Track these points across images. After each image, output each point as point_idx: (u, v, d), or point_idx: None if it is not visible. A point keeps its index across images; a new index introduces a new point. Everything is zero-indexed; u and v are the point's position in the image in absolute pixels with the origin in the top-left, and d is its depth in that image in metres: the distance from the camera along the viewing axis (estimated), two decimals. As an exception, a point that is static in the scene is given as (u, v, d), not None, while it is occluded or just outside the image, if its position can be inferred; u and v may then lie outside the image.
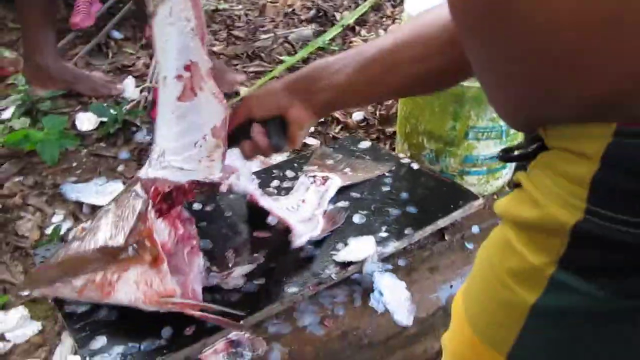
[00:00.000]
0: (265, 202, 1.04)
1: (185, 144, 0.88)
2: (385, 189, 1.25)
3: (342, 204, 1.19)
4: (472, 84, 1.16)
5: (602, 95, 0.37)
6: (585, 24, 0.33)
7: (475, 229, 1.26)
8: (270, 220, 1.08)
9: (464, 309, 0.55)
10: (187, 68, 0.84)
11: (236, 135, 0.91)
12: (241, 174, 0.98)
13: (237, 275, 0.95)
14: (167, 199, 0.87)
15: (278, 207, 1.08)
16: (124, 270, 0.80)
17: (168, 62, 0.84)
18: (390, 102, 1.64)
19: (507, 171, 1.37)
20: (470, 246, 1.22)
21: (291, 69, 1.92)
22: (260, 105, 0.88)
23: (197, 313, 0.82)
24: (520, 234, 0.46)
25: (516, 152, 0.51)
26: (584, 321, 0.44)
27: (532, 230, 0.45)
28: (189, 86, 0.85)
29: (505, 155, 0.53)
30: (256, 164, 1.32)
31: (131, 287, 0.80)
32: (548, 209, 0.42)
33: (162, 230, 0.85)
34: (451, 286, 1.13)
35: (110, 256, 0.79)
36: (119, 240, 0.80)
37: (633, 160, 0.37)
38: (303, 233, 1.04)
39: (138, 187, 0.85)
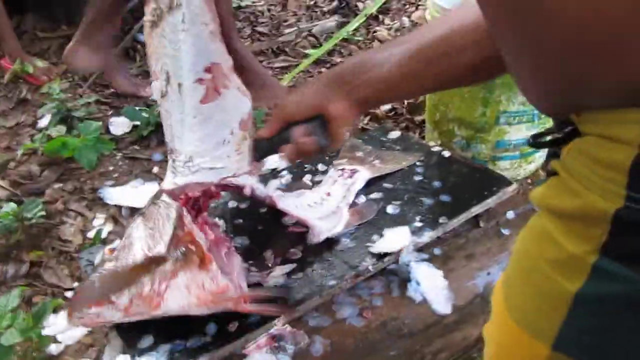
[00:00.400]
0: (283, 203, 1.04)
1: (213, 143, 0.87)
2: (418, 178, 1.25)
3: (375, 195, 1.19)
4: (501, 69, 1.15)
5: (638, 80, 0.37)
6: (618, 17, 0.33)
7: (510, 214, 1.25)
8: (287, 220, 1.08)
9: (504, 300, 0.54)
10: (208, 70, 0.83)
11: (276, 140, 0.88)
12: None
13: (277, 274, 0.97)
14: (195, 205, 0.87)
15: (298, 206, 1.07)
16: (171, 278, 0.79)
17: (183, 69, 0.83)
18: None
19: (541, 154, 1.36)
20: (505, 232, 1.22)
21: (317, 62, 1.93)
22: (299, 106, 0.84)
23: (252, 307, 0.82)
24: (558, 223, 0.46)
25: (548, 138, 0.51)
26: (624, 309, 0.43)
27: (571, 220, 0.45)
28: (212, 87, 0.84)
29: (537, 141, 0.52)
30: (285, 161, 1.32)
31: (182, 293, 0.80)
32: (587, 197, 0.42)
33: (198, 235, 0.85)
34: (488, 273, 1.12)
35: (152, 266, 0.79)
36: (160, 249, 0.79)
37: None
38: (322, 230, 1.05)
39: (166, 198, 0.85)
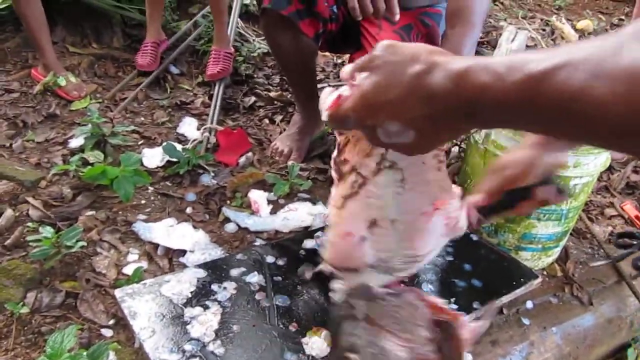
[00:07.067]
0: None
1: (429, 250, 0.91)
2: (449, 258, 1.31)
3: (409, 270, 1.24)
4: (542, 170, 1.24)
5: None
6: None
7: (529, 304, 1.33)
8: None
9: None
10: (432, 204, 0.86)
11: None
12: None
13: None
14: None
15: None
16: None
17: (400, 210, 0.85)
18: (448, 168, 1.71)
19: (559, 249, 1.44)
20: (525, 322, 1.28)
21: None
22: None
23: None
24: None
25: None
26: None
27: None
28: (434, 212, 0.86)
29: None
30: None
31: None
32: None
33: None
34: (510, 361, 1.19)
35: None
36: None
37: None
38: None
39: (408, 298, 0.88)
